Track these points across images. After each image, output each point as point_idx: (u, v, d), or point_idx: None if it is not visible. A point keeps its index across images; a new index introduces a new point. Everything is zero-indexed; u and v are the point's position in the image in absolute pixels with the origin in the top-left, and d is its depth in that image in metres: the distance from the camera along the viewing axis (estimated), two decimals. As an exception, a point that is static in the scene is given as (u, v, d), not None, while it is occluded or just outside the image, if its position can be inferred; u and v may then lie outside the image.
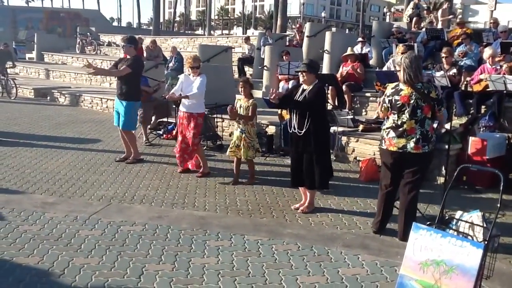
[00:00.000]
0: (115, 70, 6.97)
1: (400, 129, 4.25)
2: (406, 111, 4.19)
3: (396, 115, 4.27)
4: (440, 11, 13.11)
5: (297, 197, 5.50)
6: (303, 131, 4.97)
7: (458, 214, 3.75)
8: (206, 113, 8.05)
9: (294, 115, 5.03)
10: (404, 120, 4.22)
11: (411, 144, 4.21)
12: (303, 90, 5.02)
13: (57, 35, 28.39)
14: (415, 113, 4.18)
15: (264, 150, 7.48)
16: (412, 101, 4.17)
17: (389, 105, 4.34)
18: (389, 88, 4.43)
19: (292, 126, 5.07)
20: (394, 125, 4.30)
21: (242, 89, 6.03)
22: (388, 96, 4.36)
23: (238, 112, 5.97)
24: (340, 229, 4.69)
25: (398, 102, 4.24)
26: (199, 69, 6.45)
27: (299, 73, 5.11)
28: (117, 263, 3.78)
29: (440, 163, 6.32)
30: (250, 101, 6.00)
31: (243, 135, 5.99)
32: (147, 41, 16.29)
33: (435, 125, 4.70)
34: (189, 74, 6.46)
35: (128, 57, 6.94)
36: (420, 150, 4.21)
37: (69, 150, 7.68)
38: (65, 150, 7.68)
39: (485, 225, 3.50)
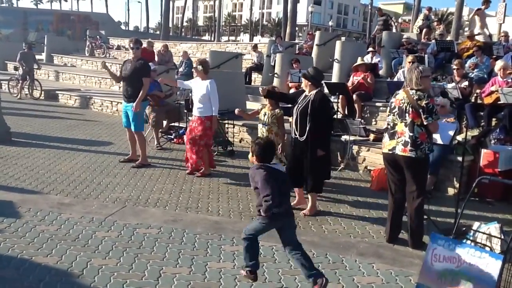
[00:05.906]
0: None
1: (392, 131, 4.46)
2: (396, 113, 4.40)
3: (390, 117, 4.49)
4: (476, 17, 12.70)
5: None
6: (303, 138, 5.11)
7: (475, 225, 3.77)
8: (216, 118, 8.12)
9: (296, 121, 5.19)
10: (396, 122, 4.42)
11: (400, 146, 4.35)
12: (305, 96, 5.23)
13: (67, 37, 28.64)
14: (403, 117, 4.34)
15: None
16: (401, 105, 4.36)
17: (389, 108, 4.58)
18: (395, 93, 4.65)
19: (293, 131, 5.27)
20: (388, 127, 4.53)
21: (268, 98, 6.01)
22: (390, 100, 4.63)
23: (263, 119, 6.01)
24: (353, 238, 4.71)
25: (392, 104, 4.50)
26: (208, 73, 6.57)
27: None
28: (135, 265, 3.82)
29: (451, 175, 6.36)
30: (276, 110, 5.90)
31: None
32: (157, 45, 16.40)
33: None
34: (197, 77, 6.62)
35: (135, 59, 6.92)
36: (407, 153, 4.31)
37: (81, 152, 7.75)
38: (77, 152, 7.74)
39: (503, 237, 3.52)
